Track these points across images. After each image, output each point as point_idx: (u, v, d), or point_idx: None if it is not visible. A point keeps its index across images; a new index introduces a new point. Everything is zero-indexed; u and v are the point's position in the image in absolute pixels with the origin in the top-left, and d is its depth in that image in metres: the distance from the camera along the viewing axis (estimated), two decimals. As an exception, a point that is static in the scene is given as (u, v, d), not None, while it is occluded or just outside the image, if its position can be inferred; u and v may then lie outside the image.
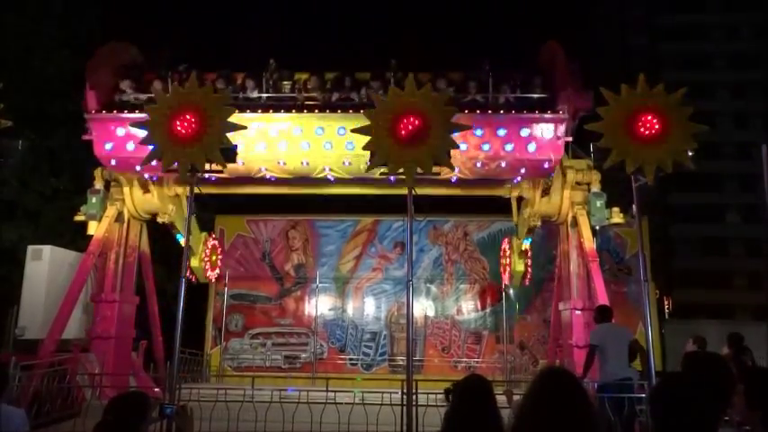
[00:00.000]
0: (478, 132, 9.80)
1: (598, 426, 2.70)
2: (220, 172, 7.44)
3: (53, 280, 10.95)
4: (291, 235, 17.55)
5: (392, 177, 10.09)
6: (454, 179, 10.46)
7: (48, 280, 10.91)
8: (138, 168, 9.94)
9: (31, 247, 11.33)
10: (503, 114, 9.97)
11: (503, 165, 10.05)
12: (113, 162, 10.25)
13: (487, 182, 11.29)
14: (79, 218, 11.46)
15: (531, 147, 9.83)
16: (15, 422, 4.24)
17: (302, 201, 15.54)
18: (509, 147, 9.85)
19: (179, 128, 7.31)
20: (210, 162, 7.27)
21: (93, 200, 11.20)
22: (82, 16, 17.53)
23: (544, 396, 2.66)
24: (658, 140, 6.83)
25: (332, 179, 10.65)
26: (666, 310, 24.83)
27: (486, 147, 9.90)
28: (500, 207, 15.36)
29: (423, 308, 16.33)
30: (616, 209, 10.90)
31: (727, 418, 2.82)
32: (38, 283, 10.90)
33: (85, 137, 10.22)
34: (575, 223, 11.08)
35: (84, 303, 11.28)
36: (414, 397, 6.64)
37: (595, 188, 10.89)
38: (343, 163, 10.08)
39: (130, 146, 9.82)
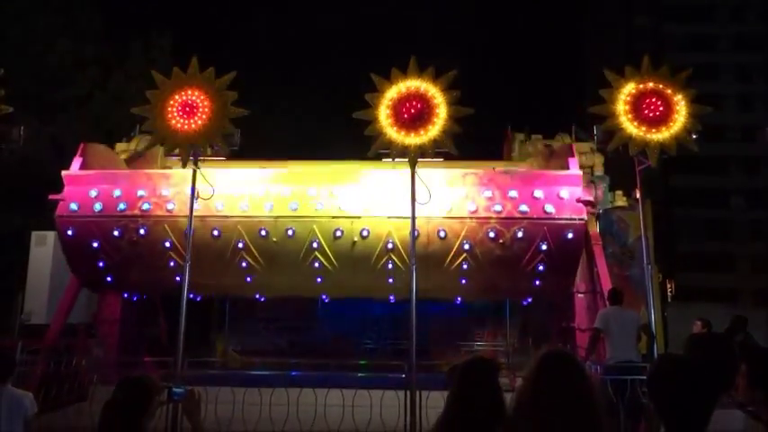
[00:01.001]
0: (487, 194, 8.90)
1: (599, 406, 2.72)
2: (222, 156, 7.43)
3: (58, 265, 10.99)
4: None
5: (392, 295, 9.52)
6: (465, 267, 8.97)
7: (52, 265, 10.95)
8: (95, 246, 9.04)
9: (35, 233, 11.36)
10: (512, 173, 9.15)
11: (519, 234, 8.76)
12: (70, 232, 9.26)
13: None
14: (83, 203, 11.48)
15: (549, 207, 8.78)
16: (24, 404, 4.38)
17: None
18: (524, 207, 8.77)
19: (181, 113, 7.30)
20: (212, 146, 7.28)
21: (96, 186, 11.21)
22: (82, 3, 17.45)
23: (544, 377, 2.67)
24: (662, 123, 6.80)
25: (318, 267, 9.10)
26: (669, 294, 24.85)
27: (497, 207, 8.79)
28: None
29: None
30: (619, 192, 10.88)
31: (731, 399, 2.82)
32: (42, 269, 10.95)
33: (54, 196, 9.52)
34: (578, 207, 11.05)
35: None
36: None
37: (598, 171, 10.87)
38: (334, 234, 8.84)
39: (97, 206, 9.16)
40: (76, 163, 9.69)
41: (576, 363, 2.81)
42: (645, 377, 6.93)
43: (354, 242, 8.77)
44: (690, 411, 2.20)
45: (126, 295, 10.13)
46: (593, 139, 8.74)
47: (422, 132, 6.96)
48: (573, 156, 9.36)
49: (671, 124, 6.89)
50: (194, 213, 7.88)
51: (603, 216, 12.69)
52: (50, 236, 11.23)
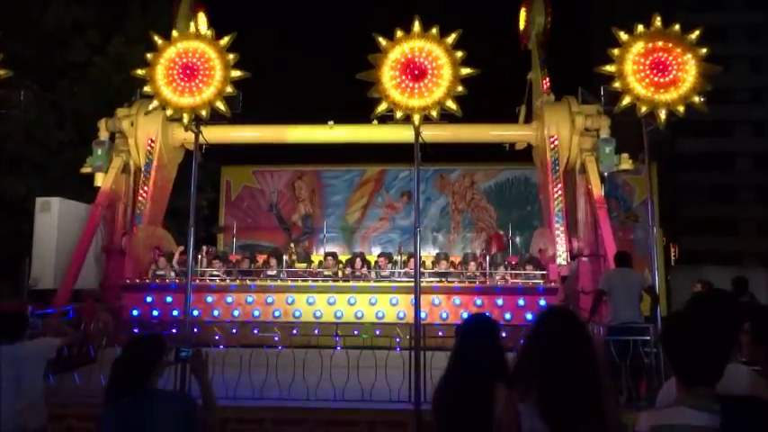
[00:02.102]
0: (479, 302, 10.27)
1: (598, 361, 2.75)
2: (225, 119, 7.38)
3: (63, 231, 11.03)
4: (298, 185, 17.53)
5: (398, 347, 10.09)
6: None
7: (58, 231, 10.99)
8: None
9: (39, 199, 11.37)
10: (500, 287, 10.43)
11: (503, 334, 9.90)
12: (136, 331, 10.19)
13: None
14: (85, 170, 11.48)
15: (529, 316, 9.92)
16: (41, 346, 4.81)
17: (308, 151, 15.45)
18: (508, 316, 10.06)
19: (182, 76, 7.22)
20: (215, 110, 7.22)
21: (99, 151, 11.20)
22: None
23: (545, 331, 2.70)
24: (671, 83, 6.69)
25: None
26: (673, 257, 24.89)
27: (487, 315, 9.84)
28: (507, 155, 15.26)
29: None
30: (625, 155, 10.79)
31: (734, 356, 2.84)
32: (48, 235, 10.99)
33: (115, 303, 10.48)
34: (583, 170, 11.00)
35: (96, 254, 11.40)
36: (421, 341, 6.77)
37: (604, 134, 10.76)
38: (353, 332, 9.80)
39: (155, 312, 10.36)
40: (129, 269, 10.82)
41: (576, 318, 2.84)
42: (647, 338, 7.01)
43: (371, 337, 9.73)
44: (703, 364, 2.22)
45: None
46: (599, 100, 8.64)
47: (426, 94, 6.87)
48: (554, 262, 10.45)
49: (680, 85, 6.78)
50: (236, 319, 9.98)
51: (609, 180, 12.63)
52: (54, 202, 11.24)
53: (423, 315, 8.42)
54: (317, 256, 12.92)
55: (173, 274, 11.06)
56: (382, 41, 7.03)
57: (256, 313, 10.32)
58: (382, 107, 6.99)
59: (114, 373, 3.17)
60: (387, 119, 7.17)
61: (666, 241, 20.20)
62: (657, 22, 6.96)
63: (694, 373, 2.22)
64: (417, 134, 7.08)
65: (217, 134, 10.53)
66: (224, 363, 7.00)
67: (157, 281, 10.64)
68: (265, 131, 12.30)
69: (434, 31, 7.05)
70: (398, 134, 10.57)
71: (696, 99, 6.80)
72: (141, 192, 11.42)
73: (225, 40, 7.32)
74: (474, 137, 12.10)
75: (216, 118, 7.44)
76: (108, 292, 10.94)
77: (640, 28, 6.93)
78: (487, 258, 11.18)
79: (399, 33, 7.02)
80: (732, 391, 2.27)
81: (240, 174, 17.58)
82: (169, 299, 10.44)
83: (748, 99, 42.71)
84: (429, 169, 16.50)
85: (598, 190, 10.60)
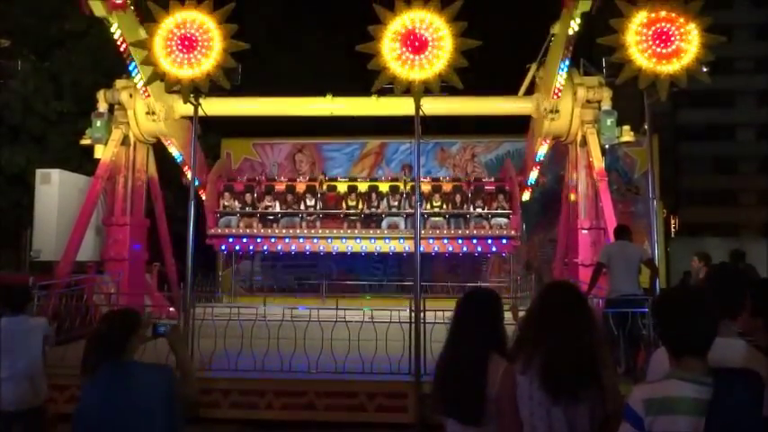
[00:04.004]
0: (460, 241, 12.48)
1: (598, 333, 2.79)
2: (224, 91, 7.32)
3: (64, 203, 11.05)
4: (298, 158, 17.46)
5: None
6: None
7: (58, 203, 11.01)
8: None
9: (39, 171, 11.35)
10: (476, 236, 12.54)
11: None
12: None
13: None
14: (85, 141, 11.42)
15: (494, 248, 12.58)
16: (41, 323, 4.98)
17: (309, 124, 15.34)
18: (479, 248, 12.70)
19: (180, 48, 7.14)
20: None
21: (98, 123, 11.11)
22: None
23: (545, 306, 2.75)
24: (674, 54, 6.62)
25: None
26: (673, 229, 24.93)
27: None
28: (508, 128, 15.16)
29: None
30: (626, 127, 10.72)
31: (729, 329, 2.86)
32: (49, 207, 11.01)
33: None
34: (584, 142, 10.94)
35: (97, 227, 11.43)
36: (422, 314, 6.82)
37: (606, 106, 10.66)
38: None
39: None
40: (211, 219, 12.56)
41: (576, 292, 2.89)
42: (645, 310, 7.05)
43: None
44: (691, 337, 2.24)
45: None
46: (601, 72, 8.55)
47: (426, 66, 6.80)
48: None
49: (682, 56, 6.70)
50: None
51: (610, 152, 12.57)
52: (55, 174, 11.23)
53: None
54: (341, 183, 13.86)
55: (236, 203, 12.82)
56: (382, 12, 6.93)
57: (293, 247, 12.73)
58: (382, 80, 6.93)
59: (88, 348, 3.20)
60: (387, 92, 7.12)
61: (667, 213, 20.22)
62: (661, -9, 6.85)
63: (682, 344, 2.24)
64: (418, 107, 7.04)
65: (216, 107, 10.44)
66: (225, 335, 7.09)
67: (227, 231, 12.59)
68: (265, 104, 12.19)
69: (435, 1, 6.94)
70: (399, 107, 10.47)
71: (698, 70, 6.73)
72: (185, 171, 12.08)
73: (224, 10, 7.22)
74: (475, 109, 12.01)
75: (215, 90, 7.38)
76: (110, 265, 10.99)
77: (643, -2, 6.82)
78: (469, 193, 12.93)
79: (400, 4, 6.92)
80: (727, 365, 2.29)
81: (240, 146, 17.50)
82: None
83: (751, 69, 42.19)
84: (429, 142, 16.40)
85: (599, 162, 10.55)
